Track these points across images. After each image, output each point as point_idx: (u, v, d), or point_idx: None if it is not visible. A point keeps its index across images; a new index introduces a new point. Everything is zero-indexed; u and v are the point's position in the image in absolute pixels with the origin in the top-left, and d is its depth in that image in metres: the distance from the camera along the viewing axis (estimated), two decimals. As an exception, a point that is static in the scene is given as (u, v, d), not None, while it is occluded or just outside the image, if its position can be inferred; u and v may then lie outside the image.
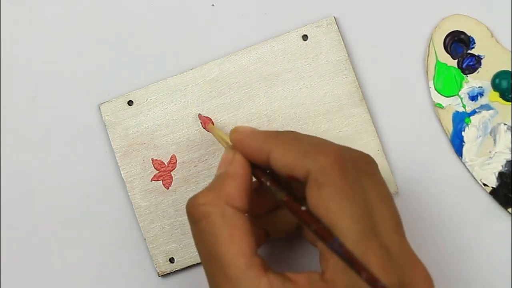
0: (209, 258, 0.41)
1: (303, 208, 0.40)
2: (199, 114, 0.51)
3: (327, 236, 0.39)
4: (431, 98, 0.52)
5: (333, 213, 0.39)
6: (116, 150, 0.52)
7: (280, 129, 0.51)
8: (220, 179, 0.42)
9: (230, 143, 0.44)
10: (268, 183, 0.42)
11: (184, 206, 0.51)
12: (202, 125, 0.51)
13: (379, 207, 0.40)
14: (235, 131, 0.44)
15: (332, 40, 0.52)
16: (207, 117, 0.51)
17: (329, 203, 0.39)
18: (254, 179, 0.43)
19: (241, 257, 0.40)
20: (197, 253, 0.51)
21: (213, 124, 0.50)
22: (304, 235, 0.45)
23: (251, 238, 0.40)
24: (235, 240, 0.40)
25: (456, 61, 0.51)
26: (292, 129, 0.51)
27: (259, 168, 0.43)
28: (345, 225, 0.39)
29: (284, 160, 0.41)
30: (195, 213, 0.41)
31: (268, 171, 0.43)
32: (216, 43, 0.53)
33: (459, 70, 0.51)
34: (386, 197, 0.41)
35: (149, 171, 0.52)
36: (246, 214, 0.42)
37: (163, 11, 0.54)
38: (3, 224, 0.53)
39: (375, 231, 0.39)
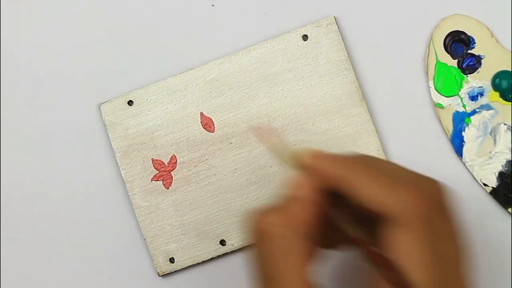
0: (267, 279, 0.39)
1: (386, 256, 0.38)
2: (255, 126, 0.50)
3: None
4: (431, 98, 0.52)
5: (416, 262, 0.37)
6: (116, 150, 0.52)
7: (280, 129, 0.51)
8: (287, 200, 0.40)
9: (296, 164, 0.41)
10: (342, 219, 0.40)
11: (184, 206, 0.51)
12: (260, 138, 0.48)
13: (450, 248, 0.39)
14: (310, 155, 0.41)
15: (332, 40, 0.52)
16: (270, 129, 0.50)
17: (414, 250, 0.38)
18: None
19: (301, 285, 0.38)
20: (197, 253, 0.51)
21: (273, 138, 0.47)
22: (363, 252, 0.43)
23: (310, 266, 0.39)
24: (297, 268, 0.39)
25: (456, 61, 0.51)
26: (292, 129, 0.51)
27: (331, 197, 0.40)
28: (423, 276, 0.37)
29: (367, 193, 0.38)
30: (256, 232, 0.40)
31: (340, 200, 0.40)
32: (216, 43, 0.53)
33: (459, 70, 0.51)
34: (456, 236, 0.40)
35: (149, 171, 0.52)
36: (311, 242, 0.40)
37: (163, 11, 0.54)
38: (3, 224, 0.53)
39: (450, 280, 0.39)
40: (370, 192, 0.38)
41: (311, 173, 0.40)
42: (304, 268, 0.39)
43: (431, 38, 0.52)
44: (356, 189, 0.39)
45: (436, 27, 0.52)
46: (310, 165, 0.40)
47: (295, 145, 0.51)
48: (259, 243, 0.40)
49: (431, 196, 0.39)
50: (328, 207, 0.40)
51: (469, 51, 0.51)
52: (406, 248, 0.38)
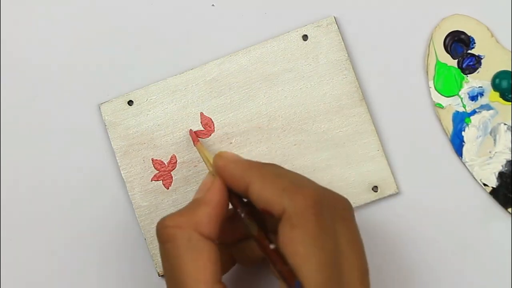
0: (172, 280, 0.41)
1: (272, 246, 0.41)
2: (190, 129, 0.51)
3: (289, 278, 0.39)
4: (431, 98, 0.52)
5: (300, 256, 0.39)
6: (116, 150, 0.52)
7: (280, 129, 0.51)
8: (194, 204, 0.43)
9: (210, 167, 0.44)
10: (242, 214, 0.42)
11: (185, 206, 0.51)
12: (193, 142, 0.50)
13: (349, 254, 0.40)
14: (219, 156, 0.44)
15: (332, 40, 0.52)
16: (196, 134, 0.51)
17: (298, 246, 0.39)
18: (230, 206, 0.44)
19: (202, 284, 0.40)
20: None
21: (200, 144, 0.49)
22: (270, 268, 0.45)
23: (216, 266, 0.40)
24: (197, 267, 0.40)
25: (456, 61, 0.51)
26: (292, 129, 0.51)
27: (237, 197, 0.43)
28: (310, 270, 0.39)
29: (262, 194, 0.41)
30: (163, 233, 0.41)
31: (245, 201, 0.43)
32: (216, 43, 0.53)
33: (459, 70, 0.51)
34: (357, 244, 0.41)
35: (149, 171, 0.52)
36: (215, 242, 0.42)
37: (163, 11, 0.54)
38: (3, 224, 0.53)
39: (340, 280, 0.39)
40: (261, 193, 0.41)
41: (221, 174, 0.43)
42: (207, 268, 0.40)
43: (431, 38, 0.52)
44: (252, 190, 0.41)
45: (436, 27, 0.52)
46: (218, 166, 0.43)
47: (294, 145, 0.51)
48: (164, 244, 0.41)
49: (322, 198, 0.41)
50: (236, 205, 0.43)
51: (469, 51, 0.51)
52: (292, 244, 0.39)
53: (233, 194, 0.43)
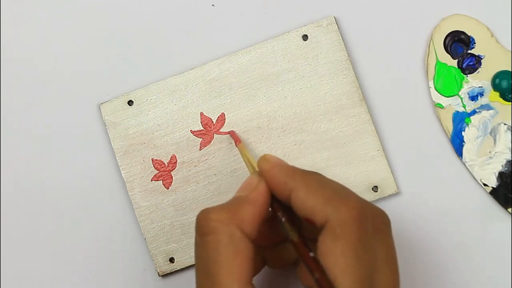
0: (205, 273, 0.41)
1: (311, 254, 0.40)
2: (232, 131, 0.51)
3: (327, 287, 0.39)
4: (431, 98, 0.52)
5: (341, 268, 0.39)
6: (116, 150, 0.52)
7: (280, 129, 0.51)
8: (238, 201, 0.42)
9: (256, 168, 0.44)
10: (283, 219, 0.42)
11: (185, 206, 0.51)
12: (235, 143, 0.50)
13: (384, 270, 0.40)
14: (264, 159, 0.43)
15: (332, 40, 0.52)
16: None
17: (340, 257, 0.39)
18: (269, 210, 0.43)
19: (236, 283, 0.40)
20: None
21: (242, 145, 0.49)
22: (298, 274, 0.45)
23: (251, 266, 0.40)
24: (235, 265, 0.40)
25: (456, 61, 0.51)
26: (292, 129, 0.51)
27: (279, 202, 0.43)
28: (349, 283, 0.39)
29: (306, 202, 0.41)
30: (205, 226, 0.41)
31: (286, 207, 0.43)
32: (216, 43, 0.53)
33: (459, 70, 0.51)
34: (392, 261, 0.41)
35: (149, 171, 0.52)
36: (253, 242, 0.41)
37: (163, 11, 0.54)
38: (3, 224, 0.53)
39: None
40: (305, 201, 0.41)
41: (265, 177, 0.43)
42: (243, 267, 0.40)
43: (431, 38, 0.52)
44: (295, 197, 0.41)
45: (436, 27, 0.52)
46: (263, 169, 0.43)
47: (294, 145, 0.51)
48: (204, 236, 0.41)
49: (365, 211, 0.40)
50: (277, 210, 0.43)
51: (469, 51, 0.51)
52: (333, 255, 0.39)
53: (274, 199, 0.43)
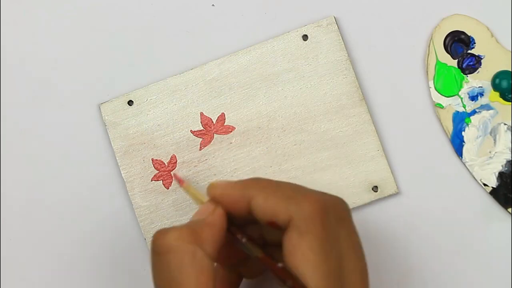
0: None
1: (280, 265, 0.40)
2: (174, 173, 0.51)
3: None
4: (431, 98, 0.52)
5: (309, 263, 0.39)
6: (116, 150, 0.52)
7: (280, 129, 0.51)
8: (197, 223, 0.42)
9: (204, 201, 0.44)
10: (244, 240, 0.42)
11: (185, 206, 0.51)
12: (178, 183, 0.48)
13: (351, 256, 0.40)
14: (213, 186, 0.43)
15: (332, 40, 0.52)
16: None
17: (307, 252, 0.39)
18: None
19: None
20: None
21: (186, 184, 0.47)
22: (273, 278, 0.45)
23: (214, 285, 0.40)
24: (200, 283, 0.39)
25: (456, 61, 0.51)
26: (292, 129, 0.51)
27: (235, 225, 0.43)
28: (318, 277, 0.39)
29: (266, 205, 0.41)
30: (163, 244, 0.40)
31: (242, 227, 0.43)
32: (216, 43, 0.53)
33: (459, 70, 0.51)
34: (357, 246, 0.42)
35: (149, 171, 0.52)
36: (215, 264, 0.41)
37: (163, 11, 0.54)
38: (3, 224, 0.53)
39: (343, 284, 0.40)
40: (266, 205, 0.41)
41: (220, 201, 0.42)
42: (208, 286, 0.40)
43: (431, 38, 0.52)
44: (255, 204, 0.41)
45: (436, 27, 0.52)
46: (215, 196, 0.42)
47: (294, 145, 0.51)
48: (165, 255, 0.40)
49: (326, 203, 0.41)
50: (235, 233, 0.43)
51: (469, 51, 0.51)
52: (301, 251, 0.39)
53: (231, 222, 0.43)
